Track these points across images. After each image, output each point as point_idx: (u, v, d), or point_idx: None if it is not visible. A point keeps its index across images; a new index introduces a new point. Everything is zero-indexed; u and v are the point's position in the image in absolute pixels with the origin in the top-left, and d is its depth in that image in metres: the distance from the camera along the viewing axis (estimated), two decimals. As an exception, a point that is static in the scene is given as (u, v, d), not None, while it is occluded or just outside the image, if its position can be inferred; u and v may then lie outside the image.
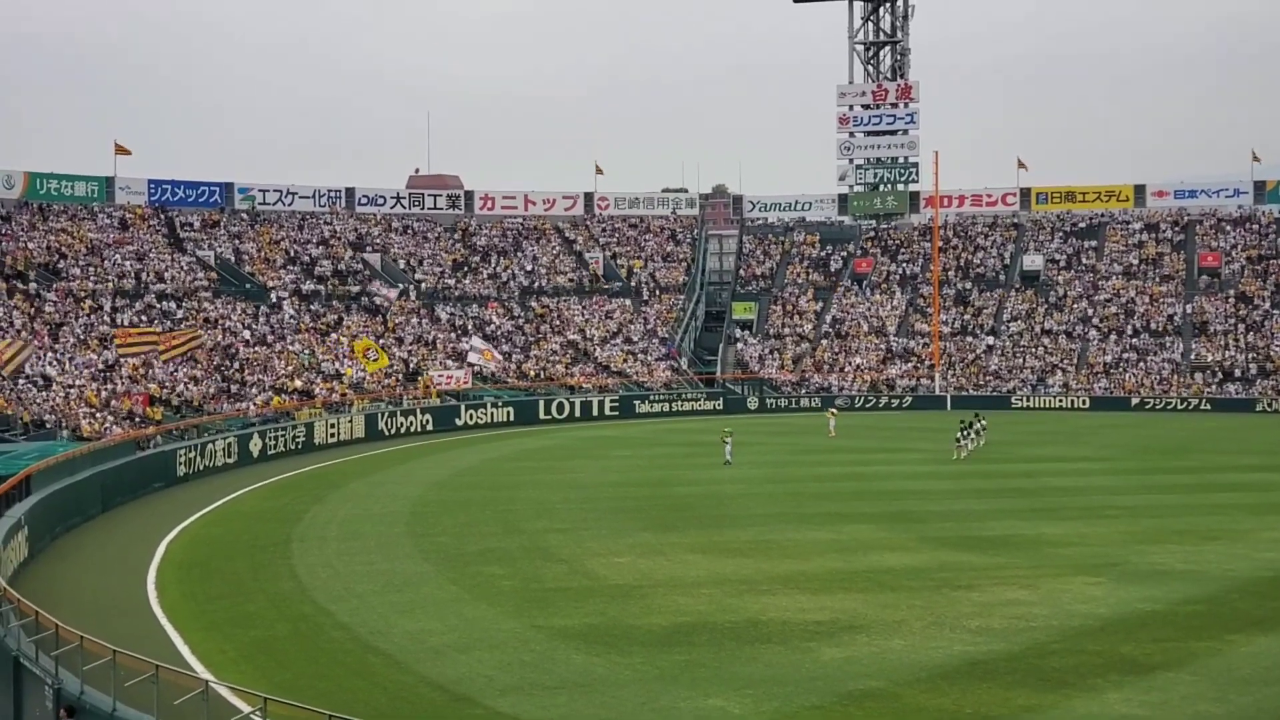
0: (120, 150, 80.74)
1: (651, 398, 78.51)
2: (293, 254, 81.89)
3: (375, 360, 66.22)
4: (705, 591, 26.54)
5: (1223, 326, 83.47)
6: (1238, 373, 79.41)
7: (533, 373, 78.13)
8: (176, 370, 59.70)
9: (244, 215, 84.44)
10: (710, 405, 79.78)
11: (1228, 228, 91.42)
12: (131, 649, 18.37)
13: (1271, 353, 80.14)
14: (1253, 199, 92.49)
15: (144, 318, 65.85)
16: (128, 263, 72.09)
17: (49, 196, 77.22)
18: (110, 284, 68.67)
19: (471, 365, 72.52)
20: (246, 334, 68.45)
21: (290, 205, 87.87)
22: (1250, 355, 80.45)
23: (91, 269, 70.01)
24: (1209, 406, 76.82)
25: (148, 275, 71.05)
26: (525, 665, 21.25)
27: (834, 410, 67.66)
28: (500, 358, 75.87)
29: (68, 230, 73.46)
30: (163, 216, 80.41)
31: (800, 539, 32.75)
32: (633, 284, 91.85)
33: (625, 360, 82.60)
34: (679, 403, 79.12)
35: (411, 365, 72.66)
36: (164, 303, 68.49)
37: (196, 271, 74.45)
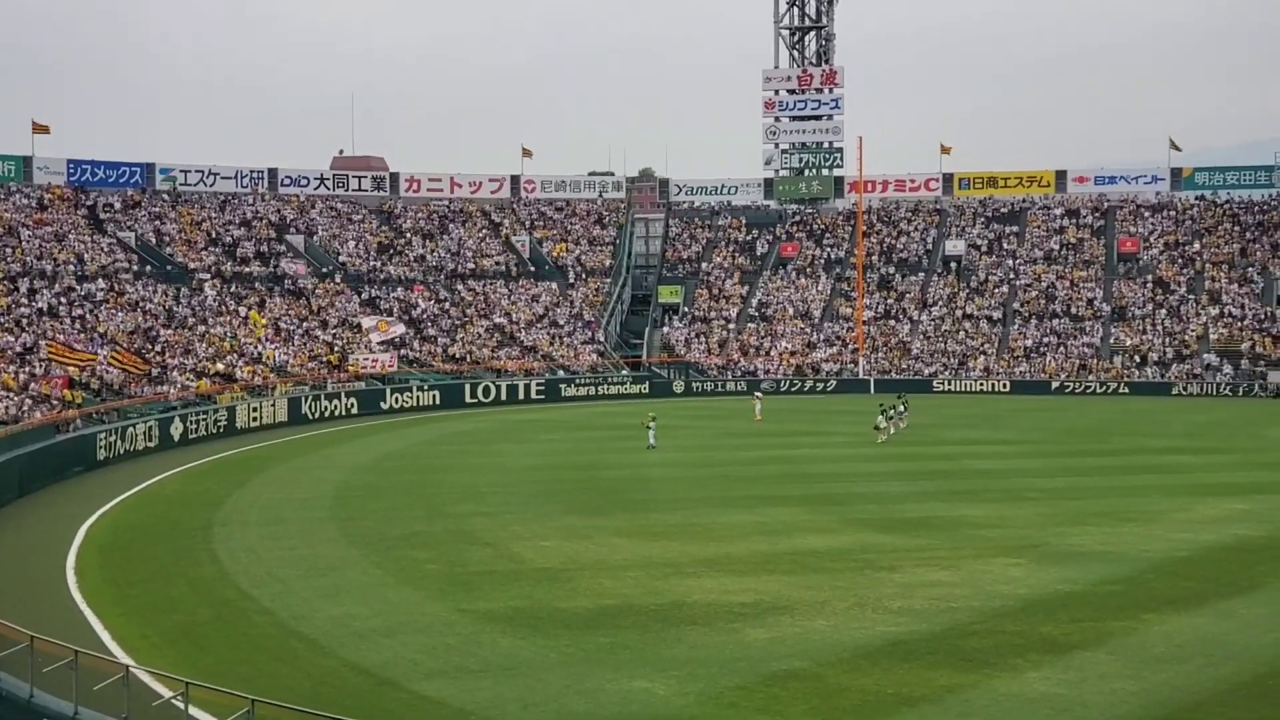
0: (38, 129, 79.28)
1: (577, 381, 78.46)
2: (214, 235, 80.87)
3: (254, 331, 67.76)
4: (630, 574, 26.61)
5: (1140, 311, 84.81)
6: (1155, 357, 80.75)
7: (459, 356, 77.79)
8: (97, 352, 58.71)
9: (165, 196, 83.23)
10: (636, 389, 79.85)
11: (1146, 214, 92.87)
12: (50, 635, 18.10)
13: (1187, 337, 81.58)
14: (1170, 186, 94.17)
15: (62, 300, 64.72)
16: (46, 244, 70.83)
17: (-38, 175, 75.72)
18: (28, 265, 67.45)
19: (376, 341, 71.20)
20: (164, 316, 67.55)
21: (212, 186, 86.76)
22: (1167, 340, 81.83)
23: (8, 250, 68.68)
24: (1127, 390, 78.10)
25: (66, 256, 69.86)
26: (450, 649, 21.21)
27: (759, 394, 67.92)
28: (399, 329, 73.76)
29: (-18, 210, 72.00)
30: (82, 197, 79.11)
31: (725, 522, 32.91)
32: (559, 267, 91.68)
33: (551, 344, 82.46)
34: (605, 386, 79.16)
35: (336, 349, 72.03)
36: (83, 285, 67.36)
37: (117, 253, 73.30)
